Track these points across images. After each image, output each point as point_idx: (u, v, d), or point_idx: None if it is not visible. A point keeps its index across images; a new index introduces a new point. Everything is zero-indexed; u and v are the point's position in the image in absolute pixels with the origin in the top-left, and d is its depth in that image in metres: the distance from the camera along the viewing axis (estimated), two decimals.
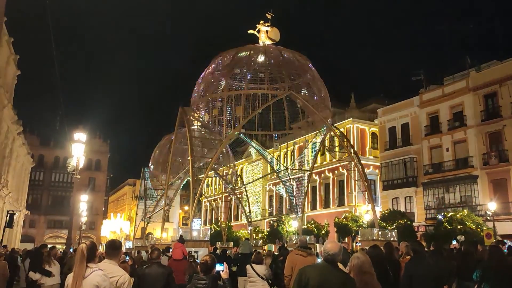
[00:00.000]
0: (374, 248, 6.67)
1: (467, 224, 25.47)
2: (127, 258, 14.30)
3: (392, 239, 20.33)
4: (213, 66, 23.21)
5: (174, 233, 25.44)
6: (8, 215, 30.28)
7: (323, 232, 34.37)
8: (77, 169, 15.94)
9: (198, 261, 11.64)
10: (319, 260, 7.11)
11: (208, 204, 60.74)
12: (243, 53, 22.70)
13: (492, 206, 26.64)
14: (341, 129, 31.99)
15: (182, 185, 35.41)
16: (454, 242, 21.82)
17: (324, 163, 40.54)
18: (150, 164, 35.49)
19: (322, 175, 41.54)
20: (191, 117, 23.49)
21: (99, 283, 4.01)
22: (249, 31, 24.75)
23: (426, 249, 9.92)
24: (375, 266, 4.96)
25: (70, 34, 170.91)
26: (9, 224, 30.04)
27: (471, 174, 31.26)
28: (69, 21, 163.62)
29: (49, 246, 12.06)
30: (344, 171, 37.42)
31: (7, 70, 29.51)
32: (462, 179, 31.71)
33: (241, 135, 25.95)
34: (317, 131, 25.98)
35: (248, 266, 9.39)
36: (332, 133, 24.49)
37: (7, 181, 34.19)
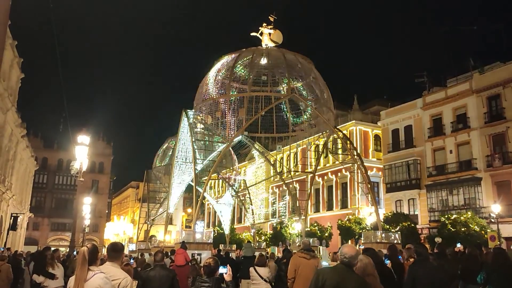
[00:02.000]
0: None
1: (471, 226, 25.37)
2: (132, 260, 14.33)
3: (395, 241, 20.25)
4: (216, 68, 23.25)
5: (177, 236, 25.48)
6: (12, 217, 30.41)
7: (326, 234, 34.28)
8: (81, 171, 15.94)
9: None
10: (323, 263, 7.09)
11: (211, 206, 60.75)
12: (245, 56, 22.73)
13: (496, 208, 26.53)
14: (344, 132, 31.97)
15: (185, 188, 35.43)
16: (458, 245, 21.70)
17: (327, 165, 40.51)
18: (153, 166, 35.59)
19: (325, 177, 41.48)
20: (194, 120, 23.52)
21: (100, 286, 4.00)
22: (252, 34, 24.81)
23: (430, 252, 9.87)
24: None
25: (74, 36, 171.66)
26: (13, 226, 30.16)
27: (475, 176, 31.14)
28: (73, 23, 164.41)
29: (52, 248, 12.06)
30: (347, 173, 37.35)
31: (11, 73, 29.65)
32: (465, 181, 31.59)
33: (244, 137, 25.97)
34: (320, 134, 25.96)
35: (251, 269, 9.39)
36: (335, 135, 24.45)
37: (11, 184, 34.30)
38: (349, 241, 32.08)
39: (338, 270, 4.45)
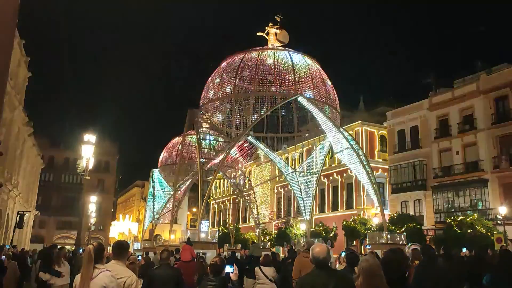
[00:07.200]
0: (394, 252, 6.30)
1: (477, 228, 25.21)
2: (140, 258, 14.39)
3: (401, 242, 20.21)
4: (222, 68, 23.27)
5: (182, 235, 25.56)
6: (18, 215, 30.62)
7: (331, 234, 34.24)
8: (87, 170, 16.00)
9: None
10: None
11: (216, 206, 60.88)
12: (252, 55, 22.74)
13: (502, 210, 26.36)
14: (350, 132, 31.87)
15: (190, 187, 35.51)
16: (464, 249, 21.51)
17: (333, 165, 40.42)
18: (158, 166, 35.63)
19: (331, 177, 41.40)
20: (200, 119, 23.54)
21: (106, 284, 4.01)
22: (258, 34, 24.82)
23: (437, 254, 9.81)
24: (392, 272, 4.84)
25: (82, 36, 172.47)
26: (19, 224, 30.38)
27: (481, 177, 30.95)
28: (80, 23, 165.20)
29: (58, 246, 12.11)
30: (353, 173, 37.28)
31: (18, 72, 29.78)
32: (472, 183, 31.40)
33: (250, 137, 25.96)
34: (325, 134, 25.90)
35: (256, 269, 9.39)
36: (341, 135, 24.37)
37: (18, 182, 34.50)
38: (354, 241, 32.02)
39: (320, 273, 4.20)
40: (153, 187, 36.08)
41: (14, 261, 12.57)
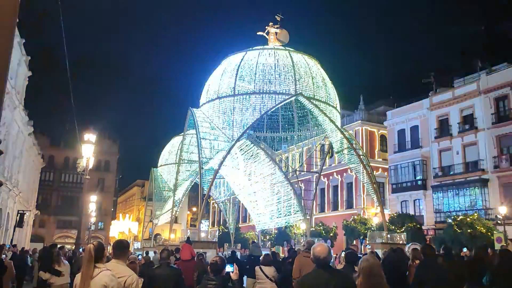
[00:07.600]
0: (394, 252, 6.34)
1: (477, 228, 25.20)
2: (140, 257, 14.37)
3: (401, 242, 20.23)
4: (222, 67, 23.28)
5: (182, 234, 25.57)
6: (19, 215, 30.64)
7: (331, 234, 34.25)
8: (87, 169, 16.00)
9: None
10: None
11: (216, 205, 60.80)
12: (252, 55, 22.74)
13: (502, 210, 26.36)
14: (350, 131, 31.90)
15: (190, 186, 35.48)
16: (464, 249, 21.50)
17: (333, 165, 40.44)
18: (159, 166, 35.68)
19: (331, 177, 41.41)
20: (200, 119, 23.53)
21: (107, 283, 4.01)
22: (258, 33, 24.83)
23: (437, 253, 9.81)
24: (393, 271, 4.85)
25: (82, 34, 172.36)
26: (19, 223, 30.41)
27: (482, 177, 30.95)
28: (81, 21, 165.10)
29: (58, 246, 12.11)
30: (353, 173, 37.31)
31: (18, 72, 29.77)
32: (472, 183, 31.41)
33: (250, 136, 25.93)
34: (325, 133, 25.93)
35: (257, 268, 9.39)
36: (340, 135, 24.37)
37: (18, 181, 34.51)
38: (354, 241, 32.03)
39: (320, 273, 4.16)
40: (153, 186, 36.13)
41: (11, 260, 12.58)
